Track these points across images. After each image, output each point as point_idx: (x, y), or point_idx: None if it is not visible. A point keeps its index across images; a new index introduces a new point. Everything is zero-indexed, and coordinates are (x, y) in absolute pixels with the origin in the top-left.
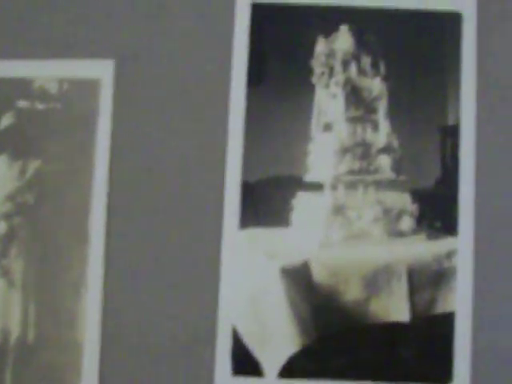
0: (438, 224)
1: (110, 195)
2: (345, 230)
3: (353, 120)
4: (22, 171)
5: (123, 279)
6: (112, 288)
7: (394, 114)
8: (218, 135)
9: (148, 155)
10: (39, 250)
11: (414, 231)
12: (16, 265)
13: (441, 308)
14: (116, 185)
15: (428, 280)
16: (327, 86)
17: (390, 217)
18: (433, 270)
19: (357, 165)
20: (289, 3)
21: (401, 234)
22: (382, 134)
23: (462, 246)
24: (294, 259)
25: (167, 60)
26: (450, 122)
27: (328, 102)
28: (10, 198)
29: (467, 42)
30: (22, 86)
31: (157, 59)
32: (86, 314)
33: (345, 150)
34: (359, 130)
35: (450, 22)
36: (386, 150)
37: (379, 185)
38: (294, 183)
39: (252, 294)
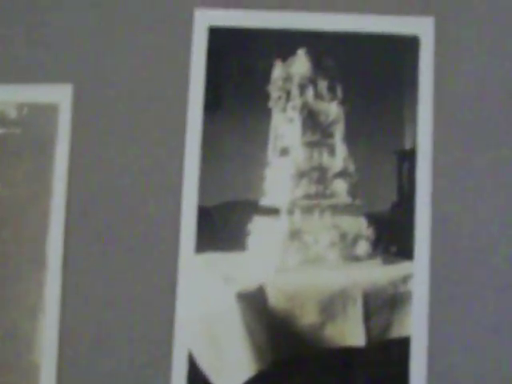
0: (394, 248)
1: (68, 220)
2: (301, 254)
3: (309, 144)
4: None
5: (80, 303)
6: (69, 312)
7: (350, 138)
8: (175, 159)
9: (105, 180)
10: None
11: (370, 255)
12: None
13: (396, 332)
14: (74, 209)
15: (384, 304)
16: (284, 110)
17: (346, 241)
18: (388, 295)
19: (313, 189)
20: (246, 27)
21: (357, 259)
22: (338, 158)
23: (417, 271)
24: (250, 284)
25: (125, 85)
26: (407, 145)
27: (285, 126)
28: None
29: (424, 65)
30: None
31: (115, 84)
32: (43, 338)
33: (301, 175)
34: (316, 154)
35: (407, 46)
36: (342, 174)
37: (335, 209)
38: (251, 208)
39: (208, 318)
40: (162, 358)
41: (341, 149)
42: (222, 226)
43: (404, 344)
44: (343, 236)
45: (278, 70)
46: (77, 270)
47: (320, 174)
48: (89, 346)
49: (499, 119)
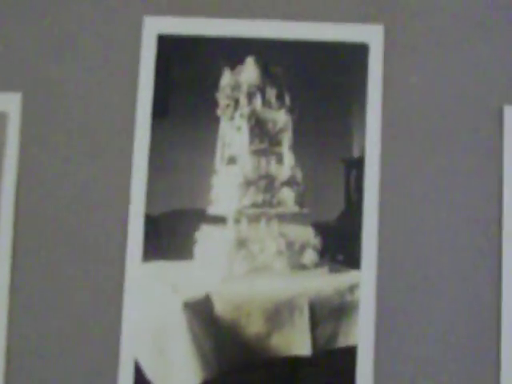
0: (341, 257)
1: (16, 225)
2: (248, 263)
3: (257, 153)
4: None
5: (27, 312)
6: (15, 321)
7: (298, 147)
8: (123, 167)
9: (53, 188)
10: None
11: (317, 264)
12: None
13: (343, 342)
14: (22, 216)
15: (330, 314)
16: (232, 118)
17: (293, 250)
18: (335, 304)
19: (260, 198)
20: (195, 35)
21: (303, 267)
22: (286, 166)
23: (364, 280)
24: (197, 293)
25: (74, 92)
26: (355, 154)
27: (232, 134)
28: None
29: (373, 73)
30: None
31: (63, 92)
32: None
33: (248, 183)
34: (263, 162)
35: (356, 54)
36: (289, 182)
37: (282, 218)
38: (198, 216)
39: (155, 327)
40: (108, 366)
41: (288, 157)
42: (169, 235)
43: (350, 353)
44: (290, 245)
45: (226, 78)
46: (24, 278)
47: (267, 183)
48: (35, 355)
49: (447, 128)
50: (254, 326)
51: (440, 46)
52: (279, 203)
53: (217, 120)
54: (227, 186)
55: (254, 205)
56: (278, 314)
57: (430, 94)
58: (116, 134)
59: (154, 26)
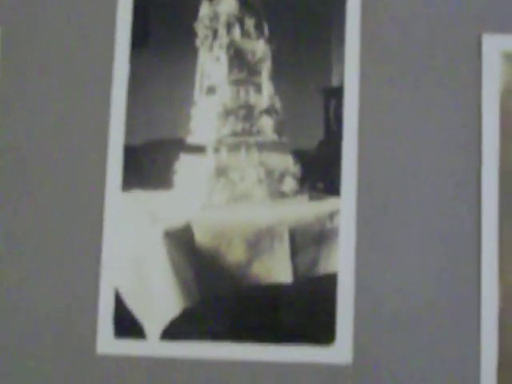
0: (321, 185)
1: None
2: (227, 191)
3: (236, 82)
4: None
5: (7, 241)
6: None
7: (277, 76)
8: (102, 98)
9: (32, 120)
10: None
11: (297, 192)
12: None
13: (323, 269)
14: (0, 148)
15: (310, 241)
16: (211, 49)
17: (273, 178)
18: (315, 231)
19: (240, 127)
20: None
21: (283, 195)
22: (265, 95)
23: (344, 207)
24: (177, 222)
25: (52, 24)
26: (334, 83)
27: (211, 65)
28: None
29: (352, 3)
30: None
31: (41, 23)
32: None
33: (228, 113)
34: (242, 92)
35: None
36: (268, 111)
37: (262, 146)
38: (177, 146)
39: (135, 256)
40: (88, 296)
41: (267, 86)
42: (148, 164)
43: (331, 280)
44: (270, 173)
45: (204, 9)
46: (4, 207)
47: (247, 112)
48: (15, 285)
49: (425, 56)
50: (234, 254)
51: None
52: (258, 132)
53: (196, 51)
54: (206, 115)
55: (234, 134)
56: (258, 242)
57: (408, 22)
58: (95, 65)
59: None
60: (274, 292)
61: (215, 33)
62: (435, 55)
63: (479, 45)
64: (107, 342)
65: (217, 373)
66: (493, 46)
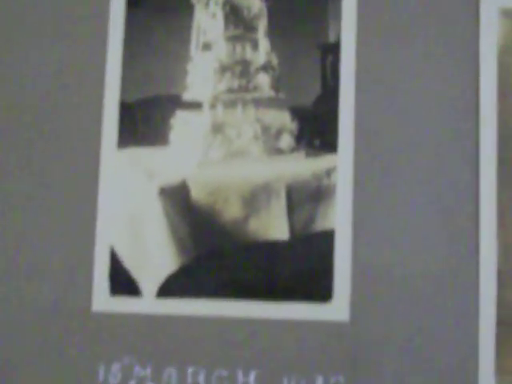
0: (318, 141)
1: None
2: (224, 148)
3: (232, 39)
4: None
5: (1, 204)
6: None
7: (273, 32)
8: (98, 55)
9: (27, 76)
10: None
11: (293, 149)
12: None
13: (320, 225)
14: None
15: (307, 198)
16: (207, 5)
17: (270, 135)
18: (312, 188)
19: (236, 83)
20: None
21: (280, 152)
22: (261, 52)
23: (341, 164)
24: (173, 179)
25: None
26: (331, 39)
27: (207, 21)
28: None
29: None
30: None
31: None
32: None
33: (224, 69)
34: (239, 48)
35: None
36: (265, 68)
37: (258, 103)
38: (173, 102)
39: (131, 214)
40: (84, 254)
41: (264, 43)
42: (144, 121)
43: (328, 237)
44: (266, 129)
45: None
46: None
47: (243, 68)
48: (10, 244)
49: (421, 12)
50: (230, 211)
51: None
52: (255, 88)
53: (192, 7)
54: (202, 72)
55: (230, 90)
56: (254, 199)
57: None
58: (90, 20)
59: None
60: (271, 249)
61: None
62: (433, 11)
63: (477, 1)
64: (103, 300)
65: (213, 330)
66: (491, 2)
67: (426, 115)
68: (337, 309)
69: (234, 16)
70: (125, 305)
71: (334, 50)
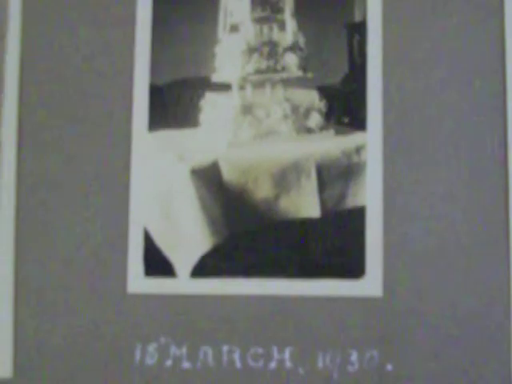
0: (347, 120)
1: (21, 101)
2: (253, 128)
3: (259, 20)
4: None
5: (35, 183)
6: (25, 194)
7: (300, 13)
8: (125, 38)
9: (57, 64)
10: None
11: (323, 127)
12: None
13: (351, 203)
14: (26, 90)
15: (338, 175)
16: None
17: (298, 114)
18: (342, 166)
19: (264, 64)
20: None
21: (309, 131)
22: (288, 32)
23: (370, 141)
24: (204, 160)
25: None
26: (357, 18)
27: (234, 3)
28: None
29: None
30: None
31: None
32: None
33: (252, 50)
34: (266, 30)
35: None
36: (292, 48)
37: (287, 83)
38: (202, 84)
39: (163, 196)
40: (118, 236)
41: (291, 23)
42: (174, 104)
43: (359, 214)
44: (295, 109)
45: None
46: (32, 151)
47: (270, 49)
48: (46, 225)
49: None
50: (261, 190)
51: None
52: (283, 68)
53: None
54: (230, 53)
55: (258, 71)
56: (285, 178)
57: None
58: (117, 6)
59: None
60: (303, 227)
61: None
62: None
63: None
64: (138, 281)
65: (247, 308)
66: None
67: (454, 89)
68: (370, 284)
69: None
70: (159, 286)
71: (360, 28)
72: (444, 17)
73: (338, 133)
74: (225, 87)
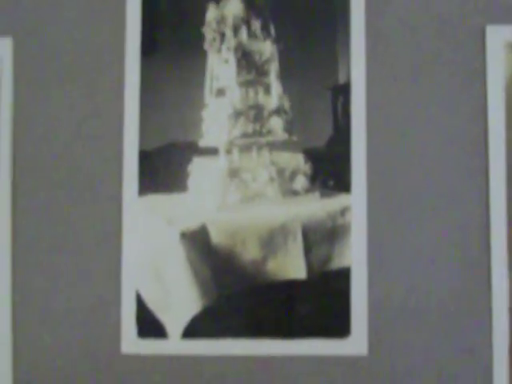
0: (332, 182)
1: (14, 165)
2: (240, 192)
3: (245, 84)
4: None
5: (29, 247)
6: (20, 259)
7: (285, 76)
8: (115, 105)
9: (48, 129)
10: None
11: (308, 190)
12: None
13: (337, 264)
14: (19, 155)
15: (323, 237)
16: (219, 51)
17: (284, 177)
18: (327, 228)
19: (250, 127)
20: None
21: (295, 194)
22: (273, 96)
23: (355, 203)
24: (193, 223)
25: (63, 34)
26: (341, 80)
27: (220, 67)
28: None
29: (356, 0)
30: None
31: (53, 34)
32: None
33: (238, 114)
34: (251, 93)
35: None
36: (278, 111)
37: (272, 146)
38: (190, 149)
39: (154, 259)
40: (111, 299)
41: (276, 86)
42: (163, 169)
43: (344, 275)
44: (281, 172)
45: (211, 12)
46: (26, 215)
47: (256, 113)
48: (39, 289)
49: (430, 49)
50: (249, 253)
51: None
52: (269, 132)
53: (204, 54)
54: (217, 117)
55: (245, 135)
56: (272, 240)
57: (413, 16)
58: (107, 73)
59: None
60: (290, 288)
61: (223, 35)
62: (440, 48)
63: (483, 36)
64: (131, 342)
65: (237, 368)
66: (497, 37)
67: (436, 152)
68: (355, 343)
69: (246, 61)
70: (152, 346)
71: (344, 91)
72: (427, 78)
73: (323, 195)
74: (212, 151)
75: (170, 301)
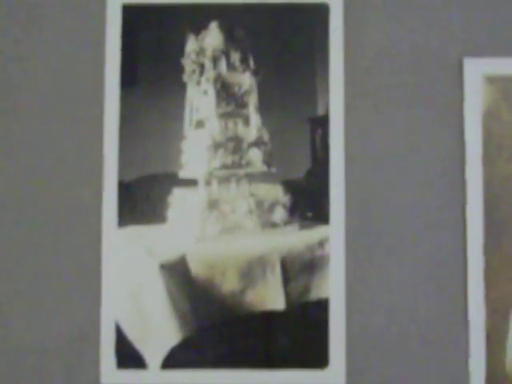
0: (310, 214)
1: None
2: (220, 223)
3: (224, 115)
4: None
5: (8, 278)
6: None
7: (264, 108)
8: (94, 137)
9: (26, 159)
10: None
11: (287, 222)
12: None
13: (315, 295)
14: None
15: (301, 268)
16: (198, 83)
17: (263, 209)
18: (306, 259)
19: (229, 159)
20: (158, 3)
21: (274, 225)
22: (252, 127)
23: (333, 234)
24: (172, 255)
25: (41, 64)
26: (320, 112)
27: (199, 99)
28: None
29: (334, 33)
30: None
31: (30, 63)
32: None
33: (217, 146)
34: (231, 124)
35: (317, 14)
36: (257, 143)
37: (251, 178)
38: (170, 180)
39: (133, 290)
40: (90, 330)
41: (255, 118)
42: (142, 200)
43: (323, 306)
44: (260, 204)
45: (191, 44)
46: (2, 248)
47: (235, 144)
48: (17, 320)
49: (408, 82)
50: (228, 284)
51: (399, 1)
52: (248, 164)
53: (183, 86)
54: (196, 149)
55: (224, 166)
56: (251, 272)
57: (391, 48)
58: (86, 105)
59: None
60: (268, 319)
61: (202, 67)
62: (418, 80)
63: (461, 68)
64: (110, 373)
65: None
66: (474, 69)
67: (414, 182)
68: (333, 375)
69: (226, 92)
70: (132, 377)
71: (323, 123)
72: (405, 110)
73: (302, 227)
74: (192, 183)
75: (149, 332)
